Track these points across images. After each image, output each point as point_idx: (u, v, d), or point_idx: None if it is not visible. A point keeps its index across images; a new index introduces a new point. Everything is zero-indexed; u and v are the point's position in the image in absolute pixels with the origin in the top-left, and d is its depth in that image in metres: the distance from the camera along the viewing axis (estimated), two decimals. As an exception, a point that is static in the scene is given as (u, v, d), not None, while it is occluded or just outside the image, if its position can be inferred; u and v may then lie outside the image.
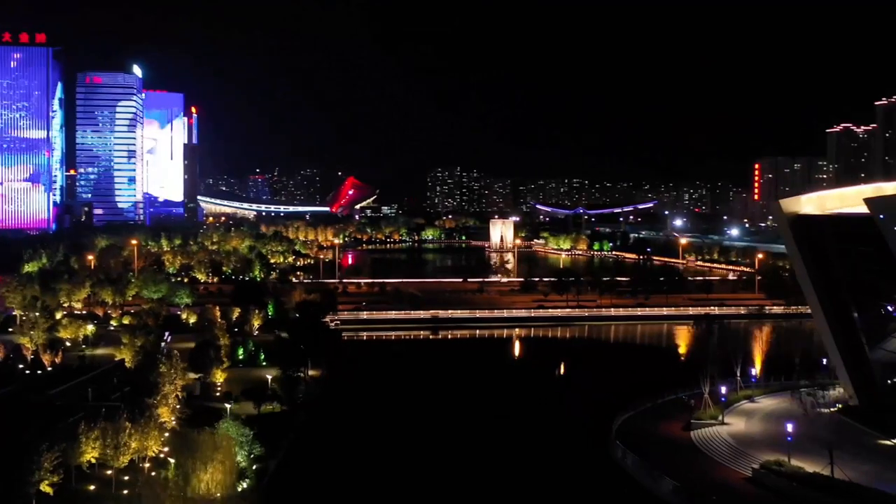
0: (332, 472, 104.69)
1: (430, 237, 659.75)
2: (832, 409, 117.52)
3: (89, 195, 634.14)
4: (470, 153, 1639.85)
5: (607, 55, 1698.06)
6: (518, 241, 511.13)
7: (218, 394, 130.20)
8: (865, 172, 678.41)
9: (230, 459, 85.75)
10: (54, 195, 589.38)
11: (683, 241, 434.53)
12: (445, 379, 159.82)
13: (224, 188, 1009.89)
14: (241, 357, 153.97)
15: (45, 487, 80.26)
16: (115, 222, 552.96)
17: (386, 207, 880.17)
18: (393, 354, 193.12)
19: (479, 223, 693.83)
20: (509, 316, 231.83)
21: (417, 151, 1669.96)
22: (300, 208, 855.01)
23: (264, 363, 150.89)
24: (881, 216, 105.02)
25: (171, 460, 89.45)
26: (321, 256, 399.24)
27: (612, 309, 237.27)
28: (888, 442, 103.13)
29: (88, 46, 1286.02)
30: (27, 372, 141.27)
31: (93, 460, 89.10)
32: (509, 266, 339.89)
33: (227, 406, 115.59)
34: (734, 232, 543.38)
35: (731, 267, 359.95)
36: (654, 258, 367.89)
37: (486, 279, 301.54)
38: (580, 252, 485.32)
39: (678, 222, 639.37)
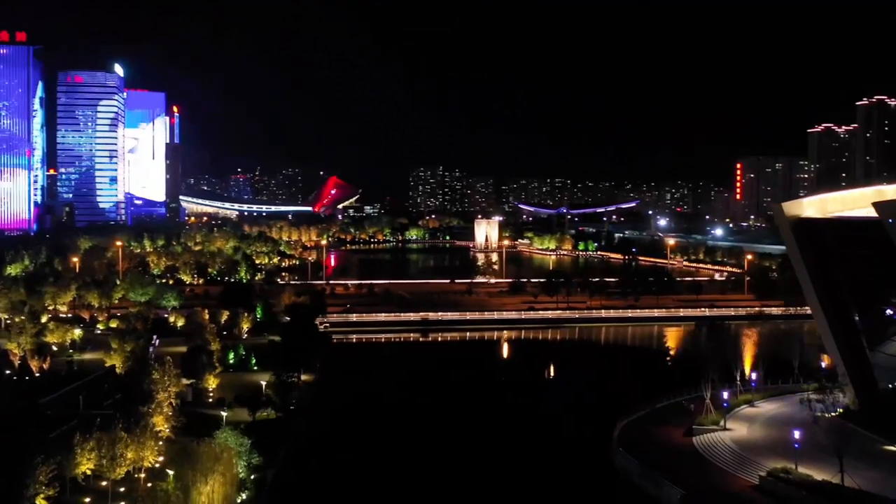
0: (331, 482, 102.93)
1: (415, 237, 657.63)
2: (833, 414, 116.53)
3: (70, 195, 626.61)
4: (451, 152, 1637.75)
5: (589, 54, 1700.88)
6: (506, 242, 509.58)
7: (211, 400, 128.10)
8: (847, 172, 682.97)
9: (231, 471, 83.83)
10: (35, 195, 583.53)
11: (671, 241, 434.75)
12: (439, 383, 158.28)
13: (206, 188, 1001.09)
14: (232, 361, 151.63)
15: (41, 502, 78.00)
16: (97, 223, 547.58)
17: (368, 207, 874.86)
18: (384, 358, 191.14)
19: (462, 223, 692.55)
20: (500, 318, 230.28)
21: (399, 150, 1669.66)
22: (282, 208, 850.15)
23: (256, 368, 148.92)
24: (889, 220, 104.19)
25: (170, 471, 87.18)
26: (306, 257, 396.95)
27: (603, 311, 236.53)
28: (893, 448, 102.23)
29: (70, 45, 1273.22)
30: (14, 378, 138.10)
31: (88, 472, 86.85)
32: (496, 267, 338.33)
33: (223, 413, 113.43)
34: (718, 232, 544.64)
35: (717, 267, 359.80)
36: (640, 258, 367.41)
37: (473, 280, 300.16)
38: (565, 252, 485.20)
39: (662, 222, 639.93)
